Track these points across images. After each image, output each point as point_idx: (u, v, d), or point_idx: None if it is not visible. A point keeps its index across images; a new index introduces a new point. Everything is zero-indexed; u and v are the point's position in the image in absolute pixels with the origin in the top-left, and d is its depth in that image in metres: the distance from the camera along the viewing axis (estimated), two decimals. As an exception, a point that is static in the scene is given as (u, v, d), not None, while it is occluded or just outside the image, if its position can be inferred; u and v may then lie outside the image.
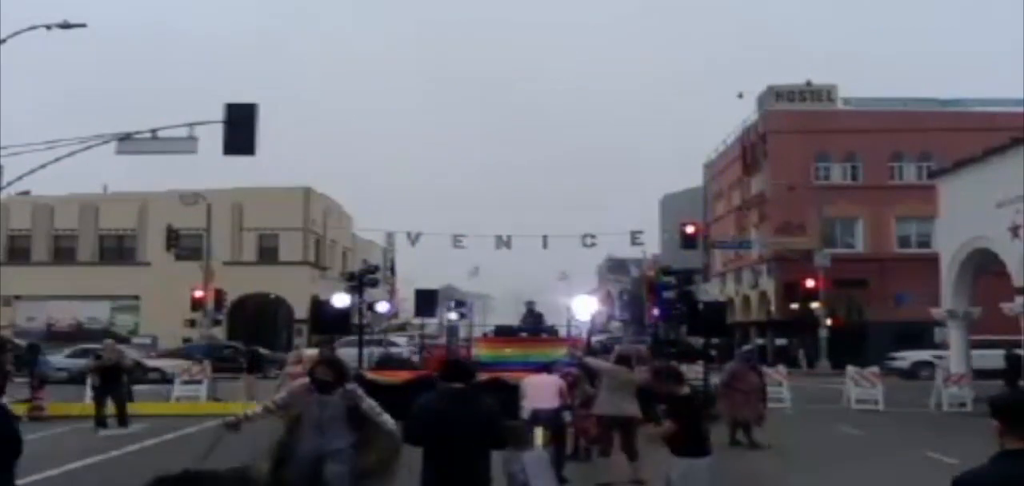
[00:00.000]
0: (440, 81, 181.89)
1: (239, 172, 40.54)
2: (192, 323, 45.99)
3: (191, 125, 21.01)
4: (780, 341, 45.95)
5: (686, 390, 8.11)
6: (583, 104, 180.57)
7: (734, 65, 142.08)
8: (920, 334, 37.56)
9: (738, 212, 55.82)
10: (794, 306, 43.60)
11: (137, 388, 23.22)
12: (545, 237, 38.57)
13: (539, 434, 11.51)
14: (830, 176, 49.62)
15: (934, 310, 28.19)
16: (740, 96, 52.57)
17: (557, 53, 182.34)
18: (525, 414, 11.41)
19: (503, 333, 23.52)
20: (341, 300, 20.86)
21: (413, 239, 38.09)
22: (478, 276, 57.39)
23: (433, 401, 6.39)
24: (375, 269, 28.13)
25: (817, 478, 13.26)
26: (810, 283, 41.88)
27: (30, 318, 51.86)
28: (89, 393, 19.66)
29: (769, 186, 49.07)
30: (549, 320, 24.65)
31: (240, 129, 19.71)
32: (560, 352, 17.53)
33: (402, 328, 47.55)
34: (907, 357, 36.84)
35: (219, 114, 20.04)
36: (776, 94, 51.81)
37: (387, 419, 7.26)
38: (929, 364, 34.55)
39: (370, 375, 20.72)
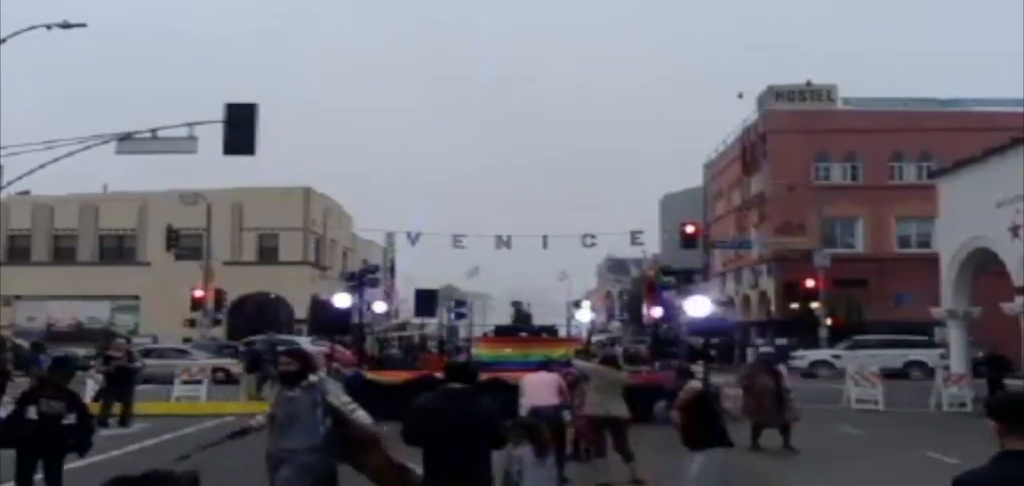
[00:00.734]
0: (440, 81, 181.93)
1: (239, 172, 40.64)
2: (192, 323, 46.00)
3: (191, 125, 21.02)
4: (780, 341, 45.95)
5: (697, 386, 8.15)
6: (583, 104, 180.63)
7: (734, 65, 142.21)
8: (927, 332, 37.64)
9: (738, 212, 55.82)
10: (794, 306, 43.58)
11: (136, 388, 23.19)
12: (545, 237, 38.50)
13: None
14: (830, 176, 49.62)
15: (934, 310, 28.20)
16: (740, 96, 52.68)
17: (557, 53, 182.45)
18: (523, 412, 11.41)
19: (503, 333, 23.53)
20: (342, 300, 20.91)
21: (413, 239, 38.05)
22: (478, 276, 57.33)
23: (431, 400, 6.39)
24: (375, 269, 28.22)
25: (817, 478, 13.26)
26: (810, 283, 41.86)
27: (30, 318, 51.87)
28: (89, 392, 19.60)
29: (769, 186, 49.06)
30: (549, 320, 24.67)
31: (240, 129, 19.71)
32: (560, 352, 17.54)
33: (402, 328, 47.55)
34: (806, 356, 38.22)
35: (219, 114, 20.05)
36: (776, 94, 51.82)
37: (361, 415, 6.83)
38: (827, 364, 35.52)
39: (370, 375, 20.78)
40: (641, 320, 51.13)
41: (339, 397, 6.85)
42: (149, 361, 26.75)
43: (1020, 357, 24.56)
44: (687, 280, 30.09)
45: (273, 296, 53.13)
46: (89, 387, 20.01)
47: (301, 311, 49.03)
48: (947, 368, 25.95)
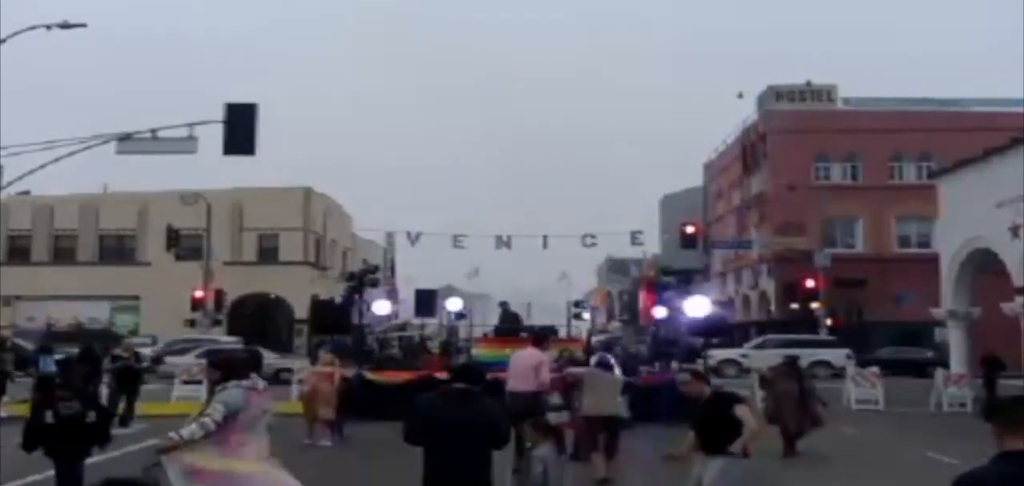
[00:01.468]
0: (440, 81, 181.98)
1: (239, 172, 40.62)
2: (192, 323, 46.00)
3: (191, 125, 21.02)
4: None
5: (707, 391, 8.03)
6: (583, 104, 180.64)
7: (734, 65, 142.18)
8: (919, 333, 37.66)
9: (738, 212, 55.83)
10: (794, 306, 43.61)
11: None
12: (545, 237, 38.53)
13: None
14: (830, 176, 49.64)
15: (934, 310, 28.22)
16: (740, 96, 52.69)
17: (557, 54, 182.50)
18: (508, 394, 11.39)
19: (503, 333, 23.50)
20: (381, 307, 20.85)
21: (413, 239, 38.06)
22: (478, 277, 57.37)
23: (433, 400, 6.39)
24: (375, 269, 28.13)
25: (818, 478, 13.27)
26: (810, 283, 41.88)
27: (30, 318, 51.81)
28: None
29: (769, 186, 49.09)
30: (549, 321, 24.65)
31: (240, 129, 19.71)
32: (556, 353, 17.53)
33: (402, 328, 47.52)
34: (714, 355, 37.66)
35: (219, 114, 20.05)
36: (776, 94, 51.84)
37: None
38: (735, 363, 35.46)
39: (370, 376, 20.77)
40: (640, 320, 51.13)
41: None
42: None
43: (1020, 358, 24.55)
44: (687, 280, 30.03)
45: (273, 296, 53.11)
46: (103, 392, 20.01)
47: (301, 311, 49.01)
48: (856, 367, 26.09)
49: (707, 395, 7.94)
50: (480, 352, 21.51)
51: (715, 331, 24.23)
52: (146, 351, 30.37)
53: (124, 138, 21.44)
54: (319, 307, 24.87)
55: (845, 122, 49.41)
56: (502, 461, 7.78)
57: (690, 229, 39.91)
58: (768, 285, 49.70)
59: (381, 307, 26.75)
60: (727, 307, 48.07)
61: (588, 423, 12.07)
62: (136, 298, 53.59)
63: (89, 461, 9.38)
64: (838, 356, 34.95)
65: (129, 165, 28.24)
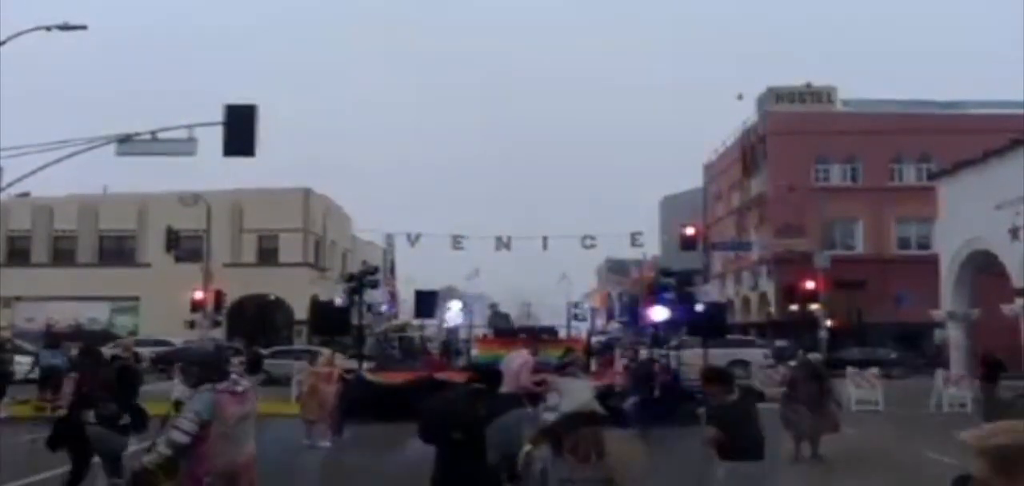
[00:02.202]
0: (440, 83, 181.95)
1: (239, 173, 40.57)
2: (192, 325, 45.98)
3: (191, 126, 21.01)
4: (780, 343, 45.94)
5: (733, 396, 7.65)
6: (583, 105, 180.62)
7: (734, 66, 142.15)
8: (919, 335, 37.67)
9: (738, 213, 55.84)
10: (794, 307, 43.59)
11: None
12: (545, 238, 38.56)
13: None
14: (830, 178, 49.66)
15: (934, 311, 28.22)
16: (740, 97, 52.75)
17: (558, 54, 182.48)
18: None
19: (502, 334, 23.54)
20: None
21: (413, 240, 38.08)
22: (478, 278, 57.43)
23: (449, 400, 6.42)
24: (374, 270, 28.15)
25: (817, 480, 13.26)
26: (810, 284, 41.86)
27: (29, 319, 51.80)
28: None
29: (769, 187, 49.10)
30: (549, 322, 24.71)
31: (240, 130, 19.70)
32: (559, 353, 17.54)
33: (402, 329, 47.58)
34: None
35: (219, 115, 20.04)
36: (776, 96, 51.86)
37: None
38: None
39: (369, 376, 20.79)
40: (639, 321, 51.10)
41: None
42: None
43: (1020, 359, 24.57)
44: (687, 282, 29.87)
45: (272, 298, 53.12)
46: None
47: (300, 312, 49.00)
48: (772, 366, 25.92)
49: (734, 399, 7.62)
50: (478, 353, 21.55)
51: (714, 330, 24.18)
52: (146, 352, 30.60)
53: (124, 140, 21.44)
54: (319, 308, 24.90)
55: (845, 124, 49.43)
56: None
57: (689, 231, 39.87)
58: (768, 286, 49.70)
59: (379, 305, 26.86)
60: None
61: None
62: (135, 299, 53.59)
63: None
64: (756, 355, 34.83)
65: (129, 166, 28.23)
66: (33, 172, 22.45)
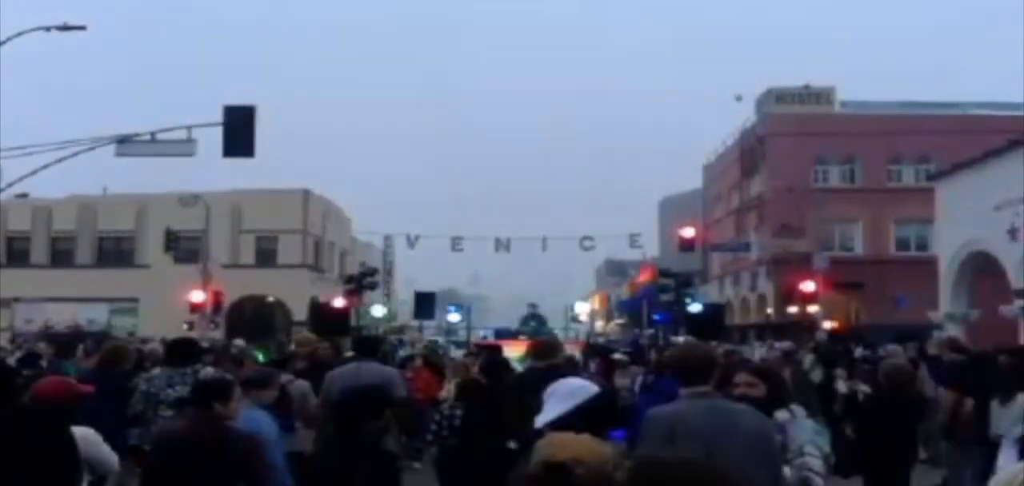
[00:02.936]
0: (440, 84, 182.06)
1: (238, 174, 40.57)
2: (190, 326, 45.96)
3: (190, 127, 21.03)
4: (780, 345, 45.91)
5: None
6: (583, 106, 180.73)
7: (733, 67, 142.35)
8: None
9: (737, 214, 55.84)
10: (792, 309, 43.58)
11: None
12: (544, 239, 38.59)
13: None
14: (829, 179, 49.65)
15: (932, 313, 28.23)
16: (738, 98, 52.67)
17: (557, 56, 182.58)
18: None
19: (502, 335, 23.55)
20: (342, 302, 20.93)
21: (412, 242, 38.11)
22: (478, 279, 57.51)
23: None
24: (373, 272, 28.20)
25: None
26: (808, 286, 41.86)
27: (28, 320, 51.79)
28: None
29: (768, 189, 49.10)
30: (550, 321, 24.70)
31: (239, 131, 19.72)
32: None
33: (400, 331, 47.59)
34: None
35: (218, 115, 20.06)
36: (775, 97, 51.86)
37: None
38: None
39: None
40: (639, 323, 51.15)
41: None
42: None
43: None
44: (686, 283, 30.01)
45: (271, 299, 53.07)
46: None
47: (299, 313, 48.98)
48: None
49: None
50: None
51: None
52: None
53: (123, 140, 21.46)
54: (318, 309, 24.92)
55: (844, 125, 49.41)
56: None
57: (688, 232, 39.87)
58: (766, 288, 49.69)
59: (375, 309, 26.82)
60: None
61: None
62: (135, 300, 53.53)
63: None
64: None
65: (128, 167, 28.26)
66: (33, 172, 22.46)
